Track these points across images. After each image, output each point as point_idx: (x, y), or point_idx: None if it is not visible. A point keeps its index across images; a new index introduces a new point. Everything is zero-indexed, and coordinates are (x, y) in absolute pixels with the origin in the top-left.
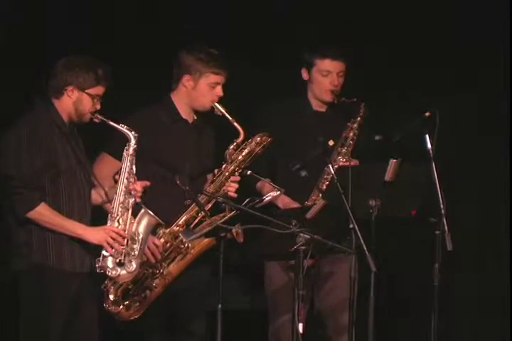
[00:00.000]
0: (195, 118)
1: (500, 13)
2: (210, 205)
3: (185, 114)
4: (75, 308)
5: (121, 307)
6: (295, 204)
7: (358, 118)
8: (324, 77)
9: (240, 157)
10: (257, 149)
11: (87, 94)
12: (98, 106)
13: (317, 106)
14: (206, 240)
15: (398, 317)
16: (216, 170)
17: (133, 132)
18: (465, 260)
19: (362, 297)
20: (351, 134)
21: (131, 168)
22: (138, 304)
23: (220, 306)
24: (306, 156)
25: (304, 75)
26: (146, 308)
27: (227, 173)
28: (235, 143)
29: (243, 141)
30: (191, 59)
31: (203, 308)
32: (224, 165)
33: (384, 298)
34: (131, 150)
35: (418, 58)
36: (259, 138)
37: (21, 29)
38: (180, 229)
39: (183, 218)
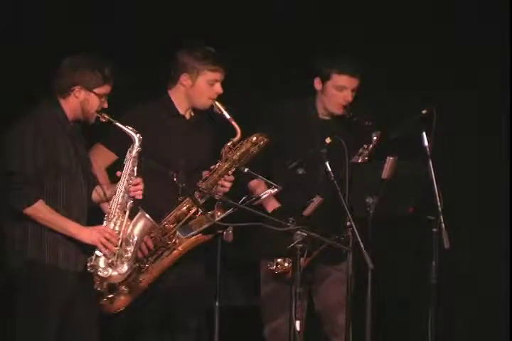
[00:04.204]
0: (193, 114)
1: (500, 13)
2: (203, 201)
3: (183, 110)
4: (71, 307)
5: (105, 299)
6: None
7: (371, 146)
8: (339, 92)
9: (234, 156)
10: (252, 149)
11: (95, 93)
12: (105, 105)
13: (323, 114)
14: (194, 237)
15: (395, 315)
16: (211, 167)
17: (138, 134)
18: (463, 258)
19: (359, 295)
20: (360, 160)
21: (133, 170)
22: (122, 298)
23: (217, 303)
24: (303, 154)
25: (317, 86)
26: (130, 302)
27: (220, 171)
28: (231, 142)
29: (239, 140)
30: (188, 57)
31: (199, 306)
32: (218, 163)
33: (381, 296)
34: (134, 152)
35: (418, 58)
36: (254, 138)
37: (22, 29)
38: (171, 225)
39: (174, 214)
